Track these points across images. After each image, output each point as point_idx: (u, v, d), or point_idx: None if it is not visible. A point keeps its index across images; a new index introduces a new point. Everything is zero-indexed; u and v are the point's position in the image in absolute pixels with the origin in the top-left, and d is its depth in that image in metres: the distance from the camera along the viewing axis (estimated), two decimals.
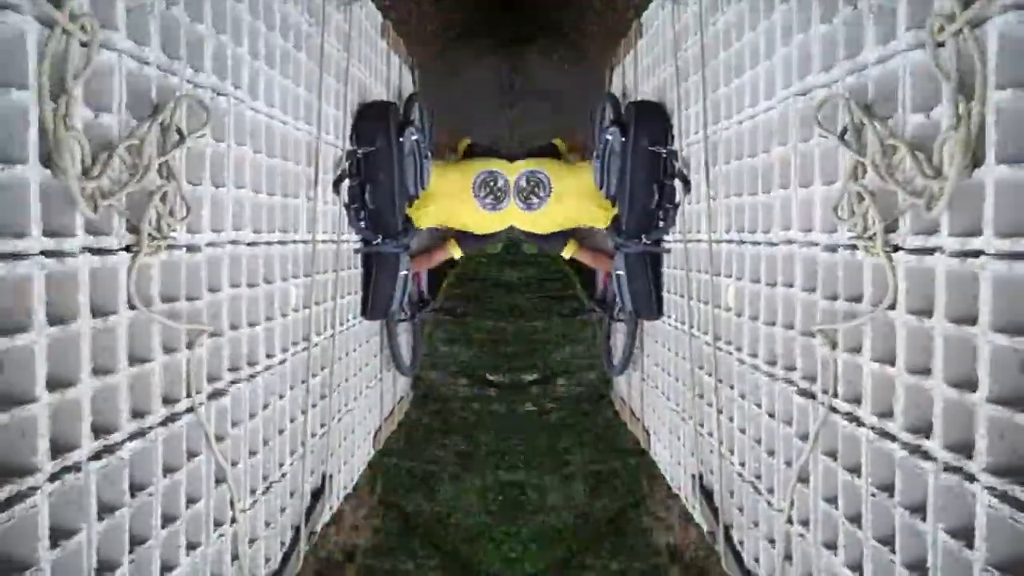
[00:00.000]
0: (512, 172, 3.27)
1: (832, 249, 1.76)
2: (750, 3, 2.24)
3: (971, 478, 1.26)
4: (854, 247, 1.65)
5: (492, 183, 3.24)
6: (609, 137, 3.13)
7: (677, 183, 2.97)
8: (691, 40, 2.82)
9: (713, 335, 2.60)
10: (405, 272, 3.32)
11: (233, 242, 1.94)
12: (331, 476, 2.86)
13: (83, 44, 1.26)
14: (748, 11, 2.26)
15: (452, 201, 3.26)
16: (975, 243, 1.26)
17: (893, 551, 1.48)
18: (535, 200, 3.22)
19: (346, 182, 2.95)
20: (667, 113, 3.16)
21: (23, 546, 1.18)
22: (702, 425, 2.78)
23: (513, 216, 3.32)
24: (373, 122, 3.04)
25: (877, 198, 1.54)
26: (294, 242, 2.44)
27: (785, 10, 1.99)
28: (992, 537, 1.20)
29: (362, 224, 3.04)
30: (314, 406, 2.61)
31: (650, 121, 3.08)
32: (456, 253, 3.55)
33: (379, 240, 3.11)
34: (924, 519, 1.38)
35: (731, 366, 2.48)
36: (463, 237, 3.49)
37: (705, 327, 2.72)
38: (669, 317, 3.28)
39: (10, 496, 1.14)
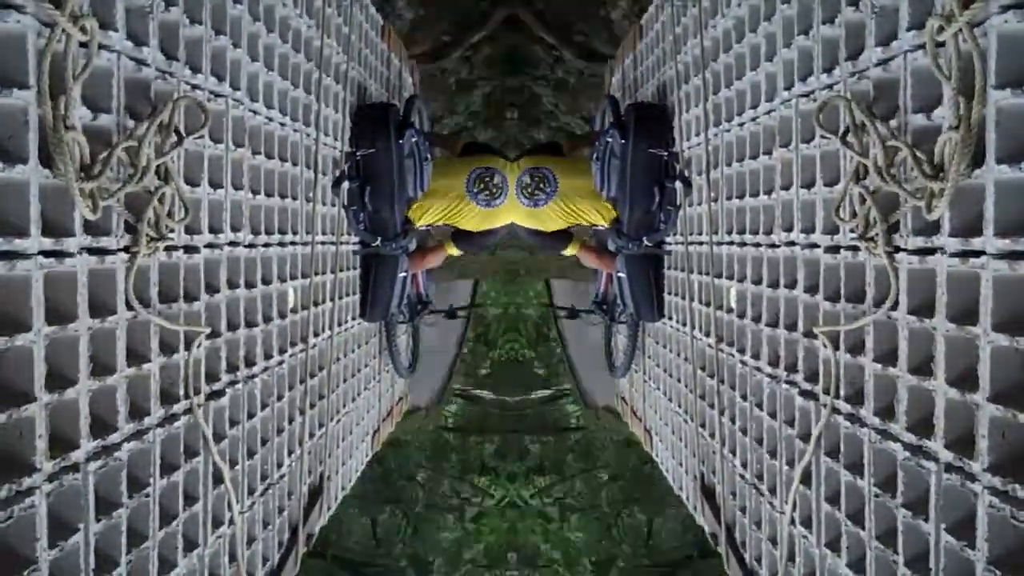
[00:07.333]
0: (513, 170, 3.26)
1: (834, 250, 1.76)
2: (750, 5, 2.24)
3: (972, 477, 1.26)
4: (856, 248, 1.64)
5: (488, 179, 3.20)
6: (609, 139, 3.12)
7: (678, 185, 2.97)
8: (691, 42, 2.83)
9: (715, 337, 2.59)
10: (404, 274, 3.31)
11: (231, 243, 1.94)
12: (329, 477, 2.85)
13: (83, 45, 1.26)
14: (748, 13, 2.27)
15: (446, 198, 3.23)
16: (976, 243, 1.26)
17: (895, 551, 1.47)
18: (541, 196, 3.18)
19: (345, 184, 2.95)
20: (668, 115, 3.16)
21: (22, 545, 1.18)
22: (704, 426, 2.78)
23: (516, 213, 3.29)
24: (372, 124, 3.04)
25: (878, 199, 1.53)
26: (293, 244, 2.44)
27: (786, 12, 1.99)
28: (994, 536, 1.20)
29: (361, 226, 3.03)
30: (312, 407, 2.60)
31: (650, 123, 3.07)
32: (454, 253, 3.52)
33: (378, 242, 3.10)
34: (926, 519, 1.37)
35: (733, 368, 2.48)
36: (461, 237, 3.45)
37: (707, 329, 2.71)
38: (670, 319, 3.28)
39: (9, 495, 1.14)
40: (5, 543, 1.15)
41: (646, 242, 3.10)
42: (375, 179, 2.97)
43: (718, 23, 2.53)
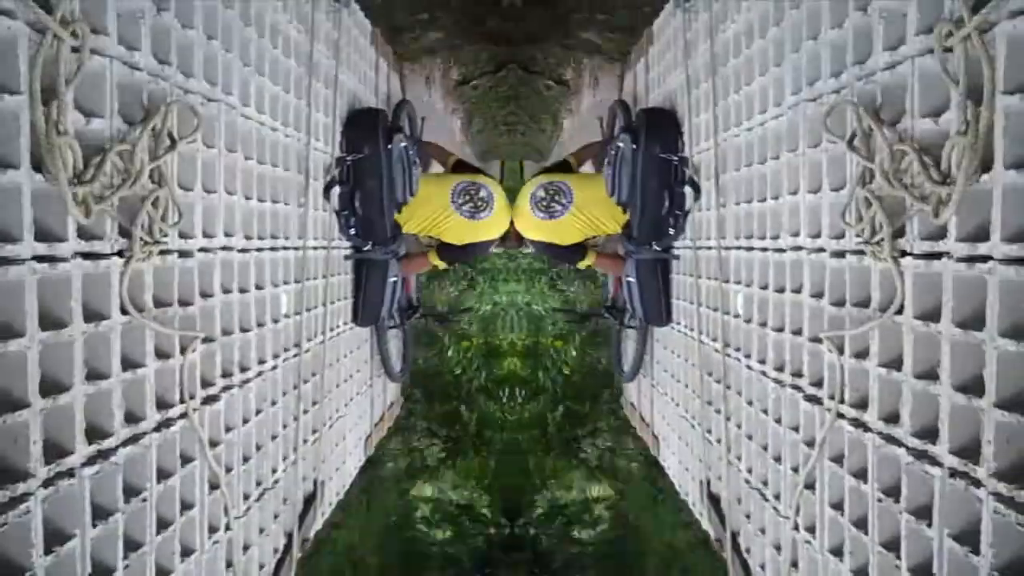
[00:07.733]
0: (527, 185, 3.26)
1: (840, 255, 1.74)
2: (760, 10, 2.22)
3: (977, 483, 1.24)
4: (862, 252, 1.62)
5: (473, 192, 3.19)
6: (620, 144, 3.10)
7: (687, 190, 2.95)
8: (702, 48, 2.80)
9: (722, 341, 2.57)
10: (394, 279, 3.29)
11: (225, 248, 1.92)
12: (323, 482, 2.84)
13: (74, 49, 1.25)
14: (758, 18, 2.24)
15: (429, 207, 3.22)
16: (982, 248, 1.24)
17: (899, 557, 1.45)
18: (557, 208, 3.17)
19: (336, 189, 2.92)
20: (678, 120, 3.13)
21: (17, 551, 1.16)
22: (710, 431, 2.76)
23: (531, 228, 3.27)
24: (362, 129, 3.01)
25: (885, 203, 1.51)
26: (285, 248, 2.42)
27: (794, 16, 1.97)
28: (998, 542, 1.18)
29: (352, 231, 3.01)
30: (306, 412, 2.58)
31: (661, 128, 3.05)
32: (438, 264, 3.51)
33: (369, 247, 3.09)
34: (930, 524, 1.36)
35: (739, 372, 2.46)
36: (445, 248, 3.32)
37: (714, 333, 2.69)
38: (678, 323, 3.25)
39: (3, 501, 1.13)
40: (0, 550, 1.14)
41: (655, 247, 3.09)
42: (365, 184, 2.95)
43: (728, 28, 2.51)
